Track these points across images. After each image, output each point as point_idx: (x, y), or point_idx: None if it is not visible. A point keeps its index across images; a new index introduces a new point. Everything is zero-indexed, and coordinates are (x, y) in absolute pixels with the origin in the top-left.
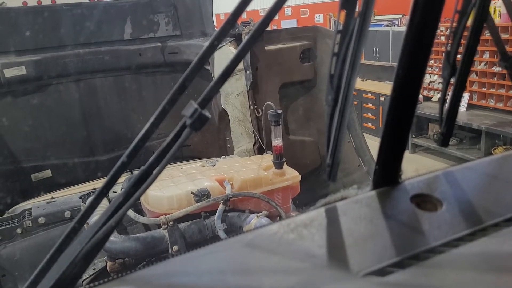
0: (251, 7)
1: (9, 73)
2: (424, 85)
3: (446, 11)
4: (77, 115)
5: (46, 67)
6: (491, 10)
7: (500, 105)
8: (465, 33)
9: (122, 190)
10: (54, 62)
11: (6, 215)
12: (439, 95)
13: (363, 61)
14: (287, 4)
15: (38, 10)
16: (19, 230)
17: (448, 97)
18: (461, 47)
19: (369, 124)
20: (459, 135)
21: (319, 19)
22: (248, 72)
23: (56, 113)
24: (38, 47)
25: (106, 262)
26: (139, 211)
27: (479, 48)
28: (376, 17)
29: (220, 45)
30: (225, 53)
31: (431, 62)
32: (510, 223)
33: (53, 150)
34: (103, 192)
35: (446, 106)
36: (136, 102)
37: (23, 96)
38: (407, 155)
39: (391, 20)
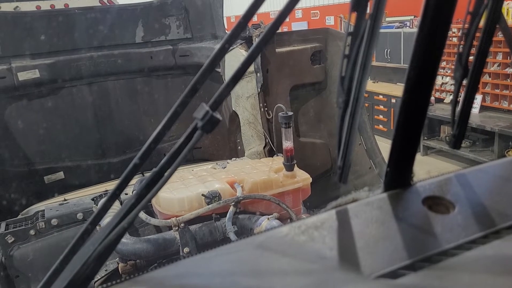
0: (261, 9)
1: (23, 76)
2: (436, 87)
3: (459, 12)
4: (89, 117)
5: (60, 70)
6: (505, 10)
7: None
8: (478, 34)
9: (134, 192)
10: (67, 65)
11: (19, 216)
12: (451, 97)
13: (374, 63)
14: (297, 6)
15: (52, 14)
16: (32, 232)
17: (461, 99)
18: (474, 49)
19: (381, 126)
20: (472, 137)
21: (330, 21)
22: (258, 74)
23: (69, 115)
24: (52, 50)
25: (118, 264)
26: (151, 213)
27: (492, 49)
28: (387, 19)
29: (231, 48)
30: (236, 56)
31: (443, 64)
32: None
33: (66, 152)
34: (115, 194)
35: (458, 108)
36: (148, 104)
37: (37, 99)
38: (419, 157)
39: (403, 21)
